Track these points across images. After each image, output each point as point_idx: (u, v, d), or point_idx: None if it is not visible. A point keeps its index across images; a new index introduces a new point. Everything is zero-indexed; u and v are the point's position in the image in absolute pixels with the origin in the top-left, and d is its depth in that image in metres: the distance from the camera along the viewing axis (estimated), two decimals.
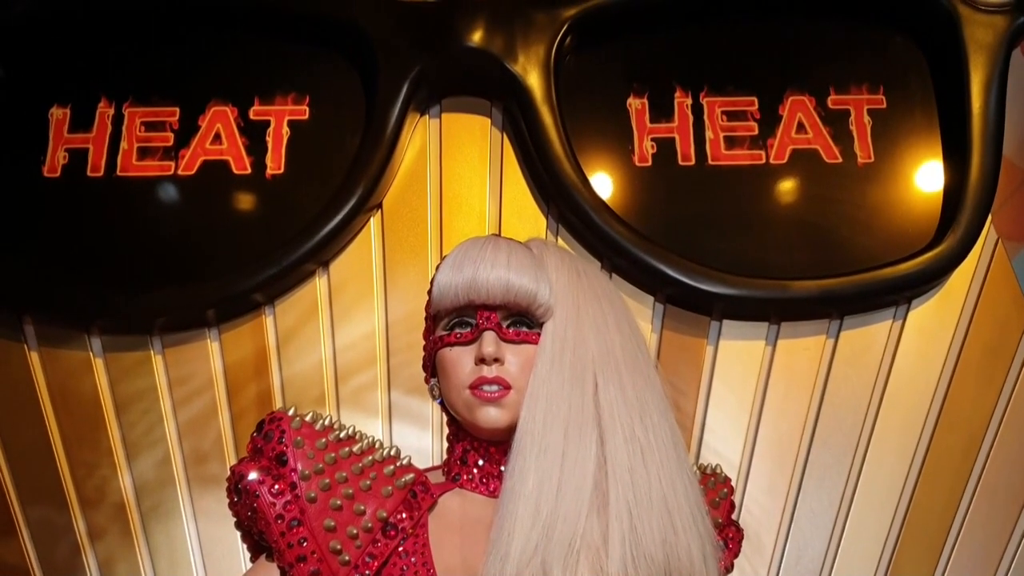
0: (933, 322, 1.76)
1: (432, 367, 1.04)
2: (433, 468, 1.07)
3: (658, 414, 0.95)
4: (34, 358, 1.68)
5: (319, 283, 1.73)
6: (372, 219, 1.77)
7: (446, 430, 1.06)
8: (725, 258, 1.73)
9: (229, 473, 0.96)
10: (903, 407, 1.73)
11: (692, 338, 1.74)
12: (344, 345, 1.71)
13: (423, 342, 1.10)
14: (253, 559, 1.00)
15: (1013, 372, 1.77)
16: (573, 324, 0.95)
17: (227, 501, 0.98)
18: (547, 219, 1.77)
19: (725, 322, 1.74)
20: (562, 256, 1.03)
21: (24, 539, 1.61)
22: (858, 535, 1.68)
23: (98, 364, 1.68)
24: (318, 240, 1.68)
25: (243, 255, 1.70)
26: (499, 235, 1.10)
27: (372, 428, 1.67)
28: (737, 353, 1.75)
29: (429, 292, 1.05)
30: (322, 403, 1.67)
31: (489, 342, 0.95)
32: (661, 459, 0.91)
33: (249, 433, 1.60)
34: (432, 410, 1.68)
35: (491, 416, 0.94)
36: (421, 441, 1.66)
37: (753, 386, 1.73)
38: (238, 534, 1.02)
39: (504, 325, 0.97)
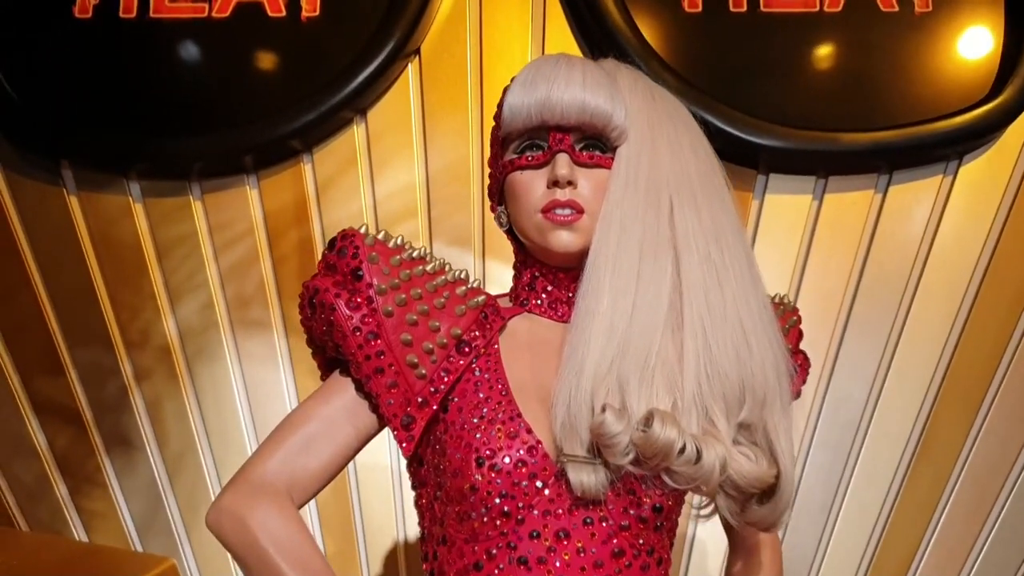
0: (984, 177, 1.72)
1: (499, 194, 1.00)
2: (500, 295, 1.06)
3: (733, 236, 0.91)
4: (73, 202, 1.67)
5: (357, 131, 1.70)
6: (410, 66, 1.72)
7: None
8: (774, 109, 1.68)
9: (302, 289, 0.93)
10: (949, 264, 1.70)
11: (738, 192, 1.70)
12: (384, 195, 1.69)
13: (489, 170, 1.05)
14: (323, 377, 0.99)
15: None
16: (648, 147, 0.91)
17: (300, 315, 0.95)
18: None
19: (772, 176, 1.71)
20: (636, 77, 0.97)
21: (73, 380, 1.63)
22: (897, 391, 1.68)
23: (137, 209, 1.67)
24: (355, 86, 1.65)
25: (278, 101, 1.67)
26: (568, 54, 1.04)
27: None
28: (783, 208, 1.72)
29: (496, 117, 1.00)
30: None
31: (563, 164, 0.90)
32: (736, 280, 0.88)
33: (291, 278, 1.63)
34: (474, 263, 1.67)
35: (564, 240, 0.91)
36: None
37: (798, 242, 1.71)
38: (309, 354, 0.99)
39: (577, 147, 0.92)
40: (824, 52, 1.73)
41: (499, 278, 1.66)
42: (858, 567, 1.64)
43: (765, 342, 0.88)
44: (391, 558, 1.60)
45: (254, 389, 1.63)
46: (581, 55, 1.69)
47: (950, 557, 1.64)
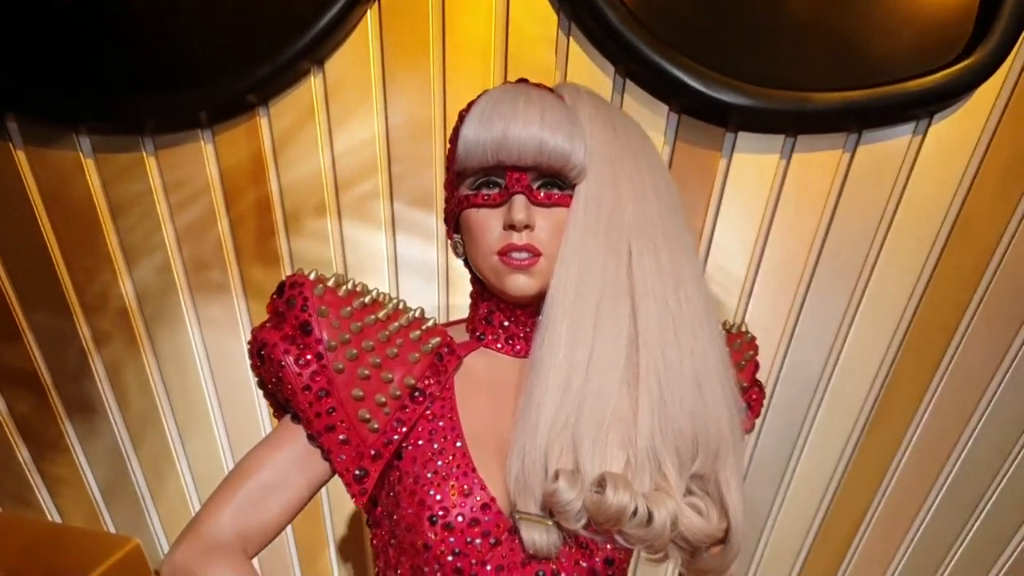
0: (954, 138, 1.70)
1: (455, 223, 0.98)
2: (454, 323, 1.04)
3: (693, 285, 0.91)
4: (21, 157, 1.62)
5: (314, 83, 1.64)
6: (369, 13, 1.65)
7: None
8: (744, 67, 1.64)
9: (251, 338, 0.92)
10: (915, 225, 1.70)
11: (706, 151, 1.68)
12: (343, 151, 1.65)
13: (444, 193, 1.00)
14: (276, 416, 0.98)
15: None
16: (609, 187, 0.89)
17: (250, 363, 0.93)
18: (559, 17, 1.65)
19: (740, 134, 1.68)
20: (597, 107, 0.94)
21: (30, 344, 1.62)
22: (856, 354, 1.70)
23: (89, 165, 1.62)
24: (312, 36, 1.59)
25: (234, 53, 1.60)
26: (528, 81, 0.99)
27: (375, 240, 1.64)
28: (751, 167, 1.69)
29: (452, 141, 0.96)
30: (323, 212, 1.63)
31: (519, 208, 0.88)
32: (694, 332, 0.88)
33: (250, 239, 1.60)
34: (437, 225, 1.64)
35: (520, 284, 0.90)
36: (425, 254, 1.65)
37: (764, 201, 1.70)
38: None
39: (535, 187, 0.90)
40: (796, 8, 1.67)
41: None
42: (809, 528, 1.70)
43: (719, 395, 0.88)
44: (355, 524, 1.64)
45: (215, 355, 1.62)
46: (548, 6, 1.65)
47: (898, 518, 1.71)
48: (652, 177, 0.91)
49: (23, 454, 1.61)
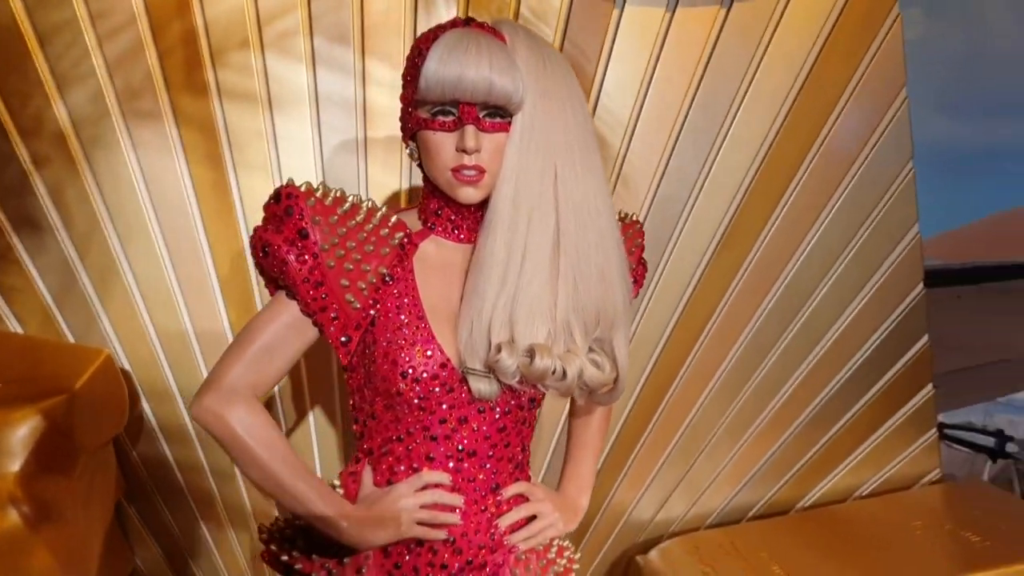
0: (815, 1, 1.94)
1: (411, 131, 1.18)
2: (406, 210, 1.27)
3: (602, 197, 1.16)
4: None
5: None
6: None
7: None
8: None
9: (255, 238, 1.14)
10: (774, 77, 1.97)
11: (601, 1, 1.86)
12: None
13: (401, 104, 1.20)
14: (269, 288, 1.21)
15: (872, 49, 2.02)
16: (540, 116, 1.11)
17: (254, 257, 1.15)
18: None
19: None
20: (530, 45, 1.13)
21: None
22: (716, 188, 2.01)
23: None
24: None
25: None
26: (474, 23, 1.16)
27: (297, 75, 1.77)
28: (639, 18, 1.89)
29: (410, 74, 1.15)
30: (247, 47, 1.74)
31: (471, 136, 1.10)
32: (600, 235, 1.14)
33: (178, 70, 1.71)
34: (354, 61, 1.78)
35: (469, 194, 1.13)
36: (345, 89, 1.79)
37: (649, 50, 1.90)
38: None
39: (481, 115, 1.10)
40: None
41: (379, 76, 1.80)
42: (662, 332, 2.06)
43: (617, 281, 1.17)
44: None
45: (151, 176, 1.76)
46: None
47: (731, 327, 2.10)
48: (572, 105, 1.14)
49: None
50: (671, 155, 1.97)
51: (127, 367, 1.83)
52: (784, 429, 2.26)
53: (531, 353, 1.11)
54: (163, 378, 1.86)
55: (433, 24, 1.75)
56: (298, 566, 1.22)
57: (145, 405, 1.87)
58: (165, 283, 1.81)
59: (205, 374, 1.87)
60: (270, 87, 1.78)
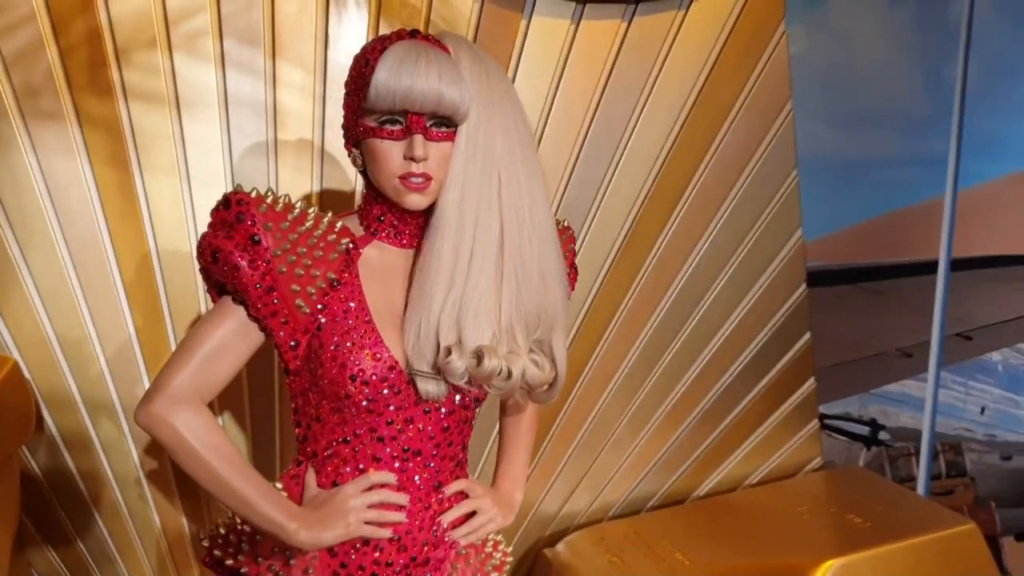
0: (709, 18, 2.06)
1: (355, 138, 1.20)
2: (347, 214, 1.29)
3: (542, 204, 1.20)
4: None
5: None
6: None
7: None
8: None
9: (204, 244, 1.14)
10: (671, 89, 2.08)
11: (509, 11, 1.92)
12: None
13: (343, 111, 1.22)
14: (211, 295, 1.21)
15: (760, 65, 2.16)
16: (484, 127, 1.15)
17: (201, 262, 1.16)
18: None
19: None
20: (474, 58, 1.17)
21: None
22: (618, 196, 2.11)
23: None
24: None
25: None
26: (420, 35, 1.18)
27: (206, 76, 1.76)
28: (546, 29, 1.96)
29: (355, 82, 1.17)
30: (155, 47, 1.72)
31: (419, 145, 1.13)
32: (541, 240, 1.19)
33: (82, 69, 1.67)
34: (264, 63, 1.78)
35: (415, 201, 1.16)
36: (255, 90, 1.79)
37: (555, 60, 1.98)
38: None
39: (429, 125, 1.14)
40: None
41: (289, 79, 1.80)
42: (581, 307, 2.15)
43: (556, 284, 1.22)
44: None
45: (52, 178, 1.71)
46: None
47: (638, 318, 2.20)
48: (514, 116, 1.18)
49: None
50: (576, 162, 2.05)
51: (27, 375, 1.77)
52: (680, 423, 2.37)
53: (479, 354, 1.15)
54: (65, 386, 1.81)
55: (343, 28, 1.83)
56: (244, 570, 1.22)
57: (46, 414, 1.81)
58: (67, 288, 1.76)
59: (110, 382, 1.84)
60: (178, 88, 1.76)
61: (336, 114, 1.85)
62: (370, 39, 1.78)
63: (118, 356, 1.83)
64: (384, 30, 1.82)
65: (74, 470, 1.86)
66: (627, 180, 2.10)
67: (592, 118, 2.04)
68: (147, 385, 1.84)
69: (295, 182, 1.87)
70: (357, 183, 1.91)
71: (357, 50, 1.20)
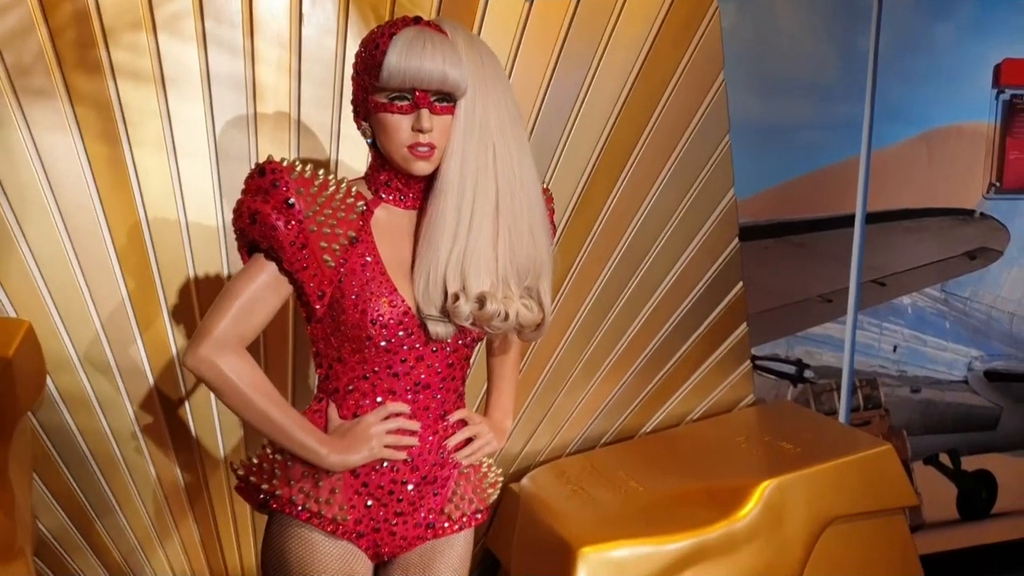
0: None
1: (364, 113, 1.37)
2: (355, 181, 1.44)
3: (530, 170, 1.39)
4: None
5: None
6: None
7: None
8: None
9: (243, 207, 1.31)
10: (616, 64, 2.27)
11: None
12: None
13: (352, 86, 1.38)
14: (241, 253, 1.37)
15: (695, 39, 2.36)
16: (479, 102, 1.32)
17: (238, 223, 1.33)
18: None
19: None
20: (468, 42, 1.34)
21: None
22: (568, 162, 2.29)
23: None
24: None
25: None
26: (422, 21, 1.34)
27: (189, 54, 1.87)
28: (503, 7, 2.12)
29: (365, 63, 1.33)
30: (140, 28, 1.82)
31: (425, 118, 1.30)
32: (531, 202, 1.38)
33: (71, 49, 1.77)
34: (243, 41, 1.90)
35: (422, 167, 1.34)
36: (235, 68, 1.91)
37: (512, 34, 2.14)
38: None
39: (433, 100, 1.31)
40: None
41: (267, 55, 1.93)
42: None
43: (543, 238, 1.41)
44: (185, 291, 1.99)
45: (46, 154, 1.81)
46: None
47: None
48: (505, 95, 1.36)
49: None
50: (533, 130, 2.23)
51: None
52: (629, 367, 2.59)
53: (481, 299, 1.34)
54: (63, 348, 1.92)
55: (316, 6, 1.95)
56: (278, 492, 1.39)
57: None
58: (63, 256, 1.87)
59: (106, 343, 1.96)
60: (163, 66, 1.87)
61: (311, 88, 1.99)
62: (340, 17, 1.96)
63: (112, 319, 1.95)
64: (353, 9, 1.97)
65: (73, 427, 1.99)
66: (579, 147, 2.29)
67: (546, 90, 2.21)
68: (140, 345, 1.98)
69: (274, 152, 1.96)
70: (332, 152, 2.05)
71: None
